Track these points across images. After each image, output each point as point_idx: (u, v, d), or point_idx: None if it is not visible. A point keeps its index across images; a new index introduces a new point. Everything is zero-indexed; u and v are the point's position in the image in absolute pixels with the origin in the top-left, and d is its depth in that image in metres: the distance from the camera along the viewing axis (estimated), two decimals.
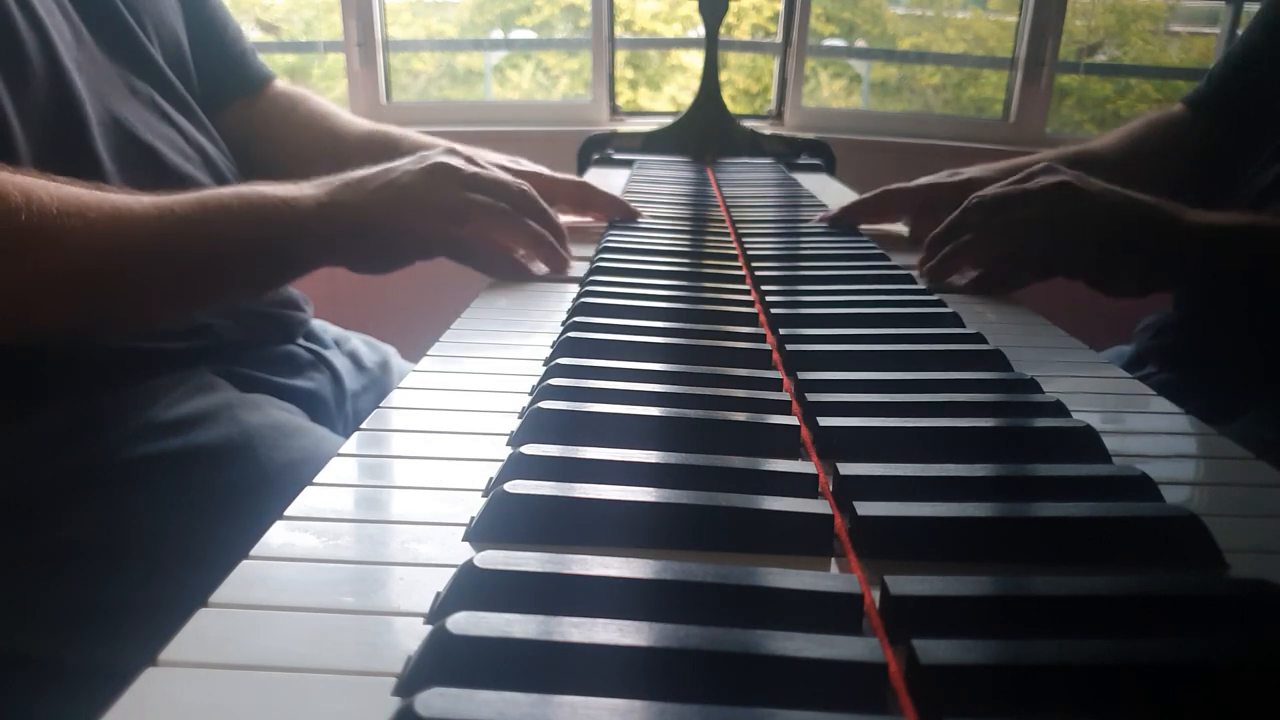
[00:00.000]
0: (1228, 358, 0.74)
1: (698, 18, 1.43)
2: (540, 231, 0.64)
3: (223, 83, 0.81)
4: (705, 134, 1.40)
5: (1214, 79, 0.89)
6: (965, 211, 0.64)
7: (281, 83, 0.88)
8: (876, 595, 0.27)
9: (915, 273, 0.67)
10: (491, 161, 0.82)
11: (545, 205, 0.66)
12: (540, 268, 0.67)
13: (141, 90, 0.68)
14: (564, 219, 0.84)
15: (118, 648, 0.47)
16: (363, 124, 0.88)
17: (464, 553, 0.29)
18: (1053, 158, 0.87)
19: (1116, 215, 0.60)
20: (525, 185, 0.65)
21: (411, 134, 0.88)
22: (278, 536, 0.30)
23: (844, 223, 0.83)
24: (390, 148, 0.84)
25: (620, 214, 0.83)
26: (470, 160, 0.64)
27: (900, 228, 0.87)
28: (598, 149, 1.40)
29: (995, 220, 0.62)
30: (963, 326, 0.54)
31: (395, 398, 0.44)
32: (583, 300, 0.56)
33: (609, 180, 1.16)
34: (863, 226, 0.85)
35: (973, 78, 2.36)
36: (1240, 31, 0.93)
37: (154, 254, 0.53)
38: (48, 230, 0.48)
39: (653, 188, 1.06)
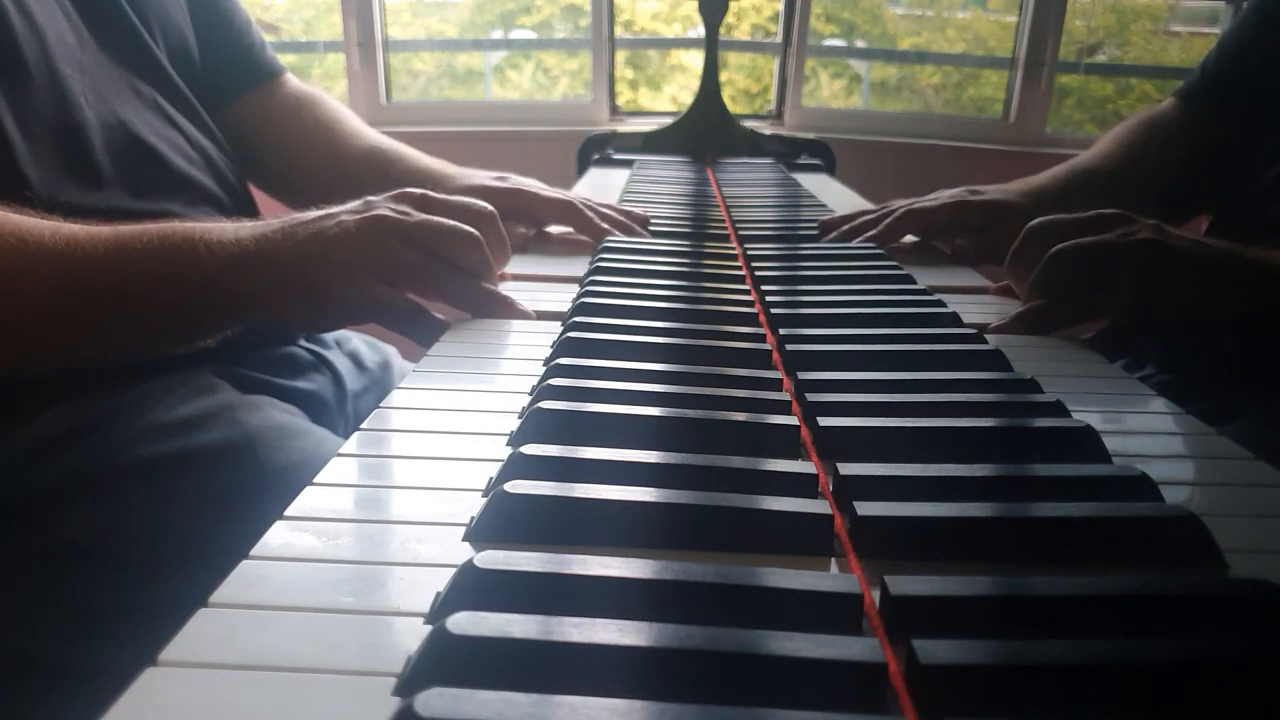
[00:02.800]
0: (1227, 358, 0.74)
1: (698, 18, 1.44)
2: (475, 290, 0.57)
3: (228, 76, 0.80)
4: (705, 134, 1.40)
5: (1207, 70, 0.88)
6: (1054, 266, 0.57)
7: (295, 81, 0.87)
8: (876, 595, 0.27)
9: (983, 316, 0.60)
10: (472, 186, 0.79)
11: (489, 257, 0.58)
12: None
13: (145, 93, 0.68)
14: (560, 229, 0.83)
15: (118, 648, 0.46)
16: (365, 139, 0.86)
17: (464, 553, 0.29)
18: (1049, 183, 0.86)
19: (1207, 272, 0.56)
20: (470, 234, 0.56)
21: (408, 154, 0.85)
22: (278, 536, 0.30)
23: (875, 242, 0.79)
24: (382, 170, 0.82)
25: (611, 233, 0.78)
26: (424, 199, 0.58)
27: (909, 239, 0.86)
28: (598, 149, 1.40)
29: (1087, 281, 0.57)
30: (963, 326, 0.54)
31: (395, 398, 0.44)
32: (583, 300, 0.56)
33: (609, 180, 1.16)
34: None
35: (973, 78, 2.36)
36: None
37: (55, 291, 0.50)
38: None
39: (653, 188, 1.06)
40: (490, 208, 0.61)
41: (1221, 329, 0.59)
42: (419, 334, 0.55)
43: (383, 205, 0.57)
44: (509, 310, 0.58)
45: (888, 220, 0.80)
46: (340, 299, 0.53)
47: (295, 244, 0.54)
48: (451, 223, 0.57)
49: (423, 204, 0.58)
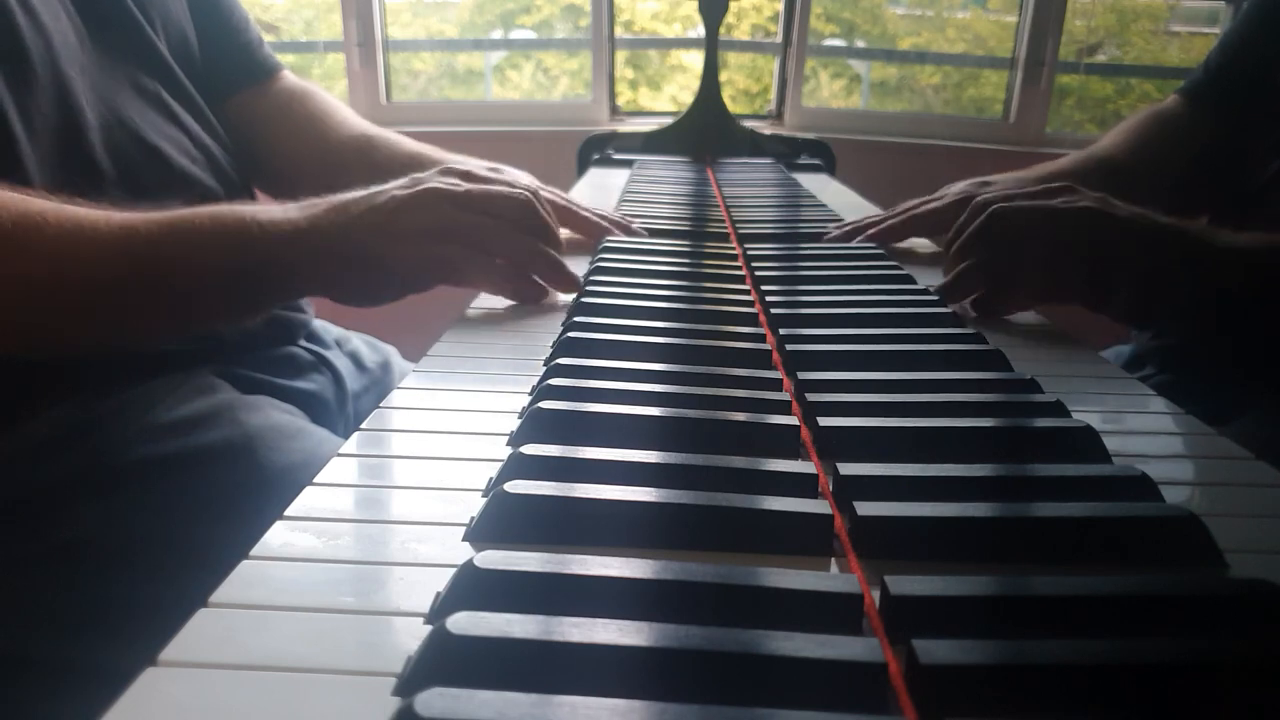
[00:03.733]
0: (1227, 358, 0.74)
1: (698, 18, 1.43)
2: (541, 250, 0.59)
3: (225, 72, 0.80)
4: (705, 134, 1.40)
5: (1210, 68, 0.88)
6: (990, 221, 0.59)
7: (291, 78, 0.87)
8: (876, 595, 0.27)
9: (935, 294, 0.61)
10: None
11: (548, 219, 0.60)
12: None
13: (149, 88, 0.68)
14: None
15: (118, 648, 0.46)
16: (352, 128, 0.85)
17: (464, 553, 0.29)
18: (1068, 167, 0.86)
19: (1149, 243, 0.57)
20: (525, 196, 0.58)
21: (393, 139, 0.85)
22: (278, 536, 0.30)
23: (876, 242, 0.79)
24: (367, 155, 0.82)
25: (603, 234, 0.77)
26: (468, 175, 0.60)
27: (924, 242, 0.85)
28: (598, 149, 1.40)
29: (1022, 241, 0.58)
30: (963, 326, 0.54)
31: (395, 398, 0.44)
32: (583, 300, 0.56)
33: (609, 180, 1.16)
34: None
35: (973, 78, 2.36)
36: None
37: (114, 275, 0.51)
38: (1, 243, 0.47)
39: (653, 188, 1.06)
40: (528, 192, 0.61)
41: (1163, 301, 0.59)
42: (519, 287, 0.58)
43: (431, 179, 0.58)
44: (566, 280, 0.59)
45: (889, 220, 0.80)
46: (407, 265, 0.55)
47: (349, 219, 0.55)
48: (503, 188, 0.58)
49: (467, 179, 0.59)
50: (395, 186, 0.57)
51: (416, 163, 0.81)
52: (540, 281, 0.60)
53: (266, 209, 0.55)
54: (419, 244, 0.54)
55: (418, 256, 0.55)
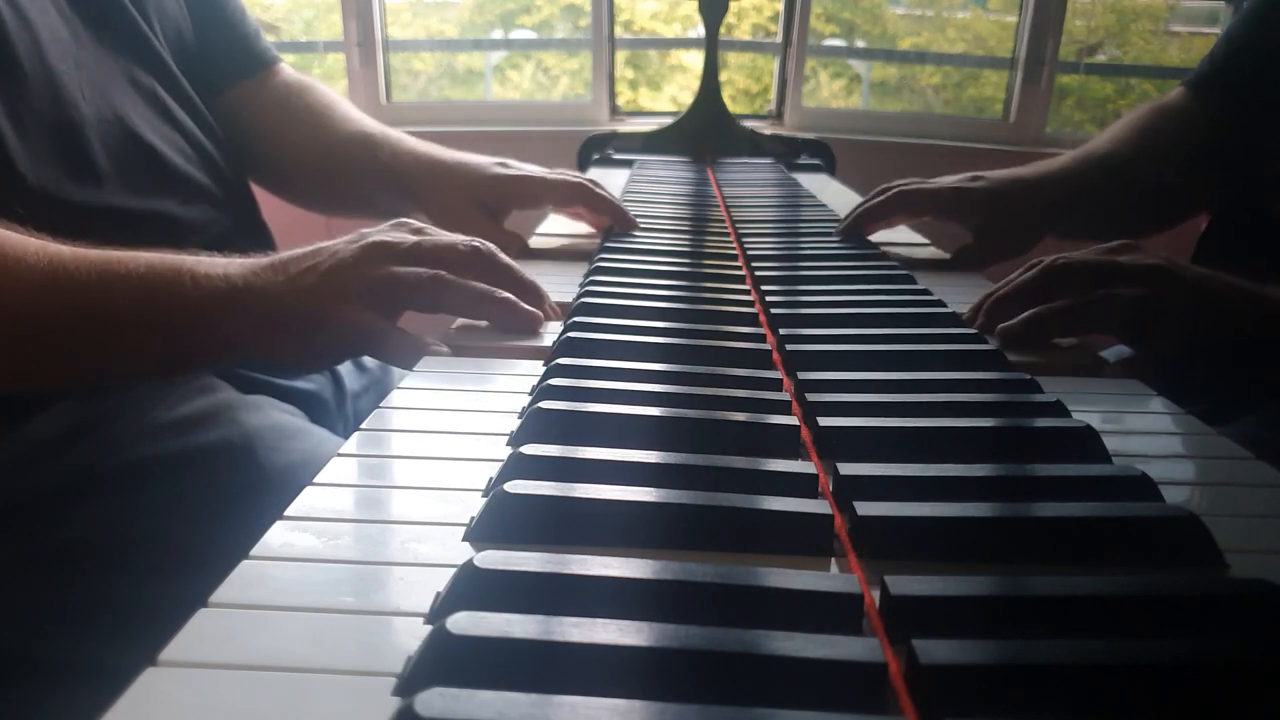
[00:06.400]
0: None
1: (698, 18, 1.44)
2: (484, 291, 0.54)
3: (222, 65, 0.79)
4: (705, 134, 1.40)
5: (1215, 60, 0.88)
6: (1048, 275, 0.56)
7: (290, 71, 0.86)
8: (876, 595, 0.27)
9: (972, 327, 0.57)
10: (484, 176, 0.79)
11: (508, 262, 0.56)
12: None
13: (144, 84, 0.67)
14: (558, 231, 0.83)
15: (118, 648, 0.46)
16: (352, 124, 0.84)
17: (464, 553, 0.29)
18: (1066, 165, 0.86)
19: (1215, 305, 0.55)
20: (479, 244, 0.55)
21: (398, 138, 0.83)
22: (277, 536, 0.30)
23: (856, 231, 0.79)
24: (369, 153, 0.81)
25: (618, 221, 0.80)
26: (420, 230, 0.56)
27: (930, 247, 0.85)
28: (598, 149, 1.40)
29: (1093, 294, 0.55)
30: (963, 326, 0.54)
31: (395, 398, 0.44)
32: (583, 300, 0.56)
33: (609, 180, 1.16)
34: (870, 238, 0.82)
35: (973, 78, 2.36)
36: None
37: (31, 310, 0.48)
38: None
39: (653, 188, 1.06)
40: (489, 246, 0.57)
41: (1219, 359, 0.58)
42: (409, 362, 0.52)
43: (378, 233, 0.55)
44: (526, 319, 0.55)
45: (880, 198, 0.80)
46: (335, 330, 0.51)
47: (287, 279, 0.51)
48: (450, 237, 0.55)
49: (419, 234, 0.56)
50: (340, 243, 0.54)
51: (423, 163, 0.81)
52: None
53: (210, 262, 0.52)
54: (346, 308, 0.50)
55: (343, 322, 0.50)
